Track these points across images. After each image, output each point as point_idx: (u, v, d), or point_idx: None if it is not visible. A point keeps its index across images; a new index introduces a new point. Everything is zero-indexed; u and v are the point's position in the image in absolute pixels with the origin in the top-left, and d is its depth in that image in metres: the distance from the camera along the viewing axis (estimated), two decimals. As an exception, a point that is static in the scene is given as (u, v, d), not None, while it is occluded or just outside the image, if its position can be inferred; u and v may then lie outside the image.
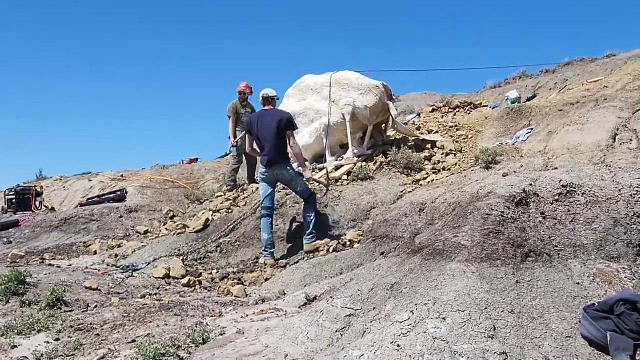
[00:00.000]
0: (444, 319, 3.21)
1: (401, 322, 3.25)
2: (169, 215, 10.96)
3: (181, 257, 7.33)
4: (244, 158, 10.24)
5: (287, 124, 6.86)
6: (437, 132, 9.97)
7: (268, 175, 6.97)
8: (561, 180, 4.58)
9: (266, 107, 7.12)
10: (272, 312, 4.59)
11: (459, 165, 8.24)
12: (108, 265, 7.49)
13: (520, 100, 11.06)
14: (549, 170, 5.70)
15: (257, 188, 9.39)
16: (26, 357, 3.98)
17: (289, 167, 6.96)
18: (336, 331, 3.73)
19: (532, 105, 9.70)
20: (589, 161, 6.44)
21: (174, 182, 14.74)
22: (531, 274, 3.75)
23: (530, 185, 4.56)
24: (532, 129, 8.65)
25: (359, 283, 4.35)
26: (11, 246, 10.53)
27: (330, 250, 6.59)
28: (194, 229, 8.49)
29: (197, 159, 17.96)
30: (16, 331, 4.42)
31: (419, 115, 11.70)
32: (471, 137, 9.67)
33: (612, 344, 3.18)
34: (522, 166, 6.56)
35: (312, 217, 6.89)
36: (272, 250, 6.84)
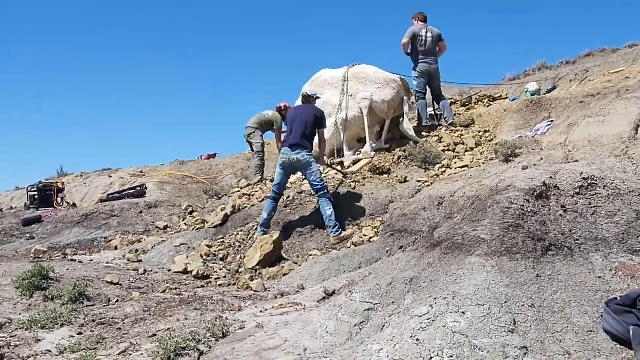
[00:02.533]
0: (463, 313, 3.19)
1: (420, 316, 3.24)
2: (188, 211, 11.04)
3: (200, 252, 7.38)
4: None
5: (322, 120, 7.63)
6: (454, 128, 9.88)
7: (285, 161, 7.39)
8: (582, 172, 4.52)
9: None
10: (291, 307, 4.61)
11: (477, 159, 8.16)
12: (128, 260, 7.58)
13: (540, 92, 10.90)
14: (569, 162, 5.63)
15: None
16: (50, 351, 4.05)
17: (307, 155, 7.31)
18: (355, 325, 3.74)
19: (552, 97, 9.56)
20: (610, 153, 6.33)
21: (193, 178, 14.84)
22: (552, 268, 3.71)
23: (551, 178, 4.51)
24: (552, 121, 8.54)
25: (378, 277, 4.34)
26: (34, 241, 10.71)
27: (348, 244, 6.60)
28: (212, 224, 8.54)
29: (215, 155, 18.03)
30: (40, 325, 4.49)
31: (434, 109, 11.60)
32: (490, 131, 9.57)
33: (635, 338, 3.13)
34: (542, 159, 6.48)
35: (331, 209, 6.99)
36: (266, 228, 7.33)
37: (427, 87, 9.96)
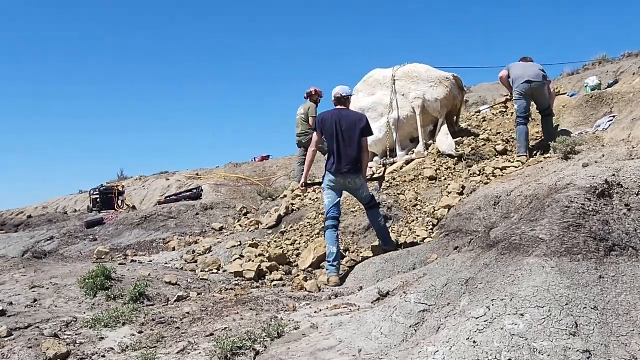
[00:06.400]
0: (522, 315, 3.11)
1: (477, 318, 3.18)
2: (243, 212, 11.21)
3: (254, 253, 7.48)
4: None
5: (367, 129, 6.38)
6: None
7: (338, 183, 6.29)
8: (647, 169, 4.33)
9: (340, 107, 6.51)
10: (345, 307, 4.61)
11: (535, 158, 7.93)
12: (186, 261, 7.76)
13: (601, 87, 10.50)
14: (633, 159, 5.40)
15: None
16: (113, 349, 4.19)
17: (361, 176, 6.36)
18: (410, 327, 3.70)
19: (614, 91, 9.20)
20: (678, 149, 6.04)
21: (247, 180, 15.06)
22: (615, 269, 3.57)
23: (613, 175, 4.34)
24: (614, 116, 8.23)
25: (433, 278, 4.29)
26: (97, 243, 11.10)
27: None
28: (266, 225, 8.64)
29: (268, 156, 18.27)
30: (103, 323, 4.66)
31: (492, 107, 11.36)
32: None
33: None
34: (603, 156, 6.24)
35: (382, 220, 6.53)
36: (338, 265, 6.10)
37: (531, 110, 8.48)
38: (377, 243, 6.64)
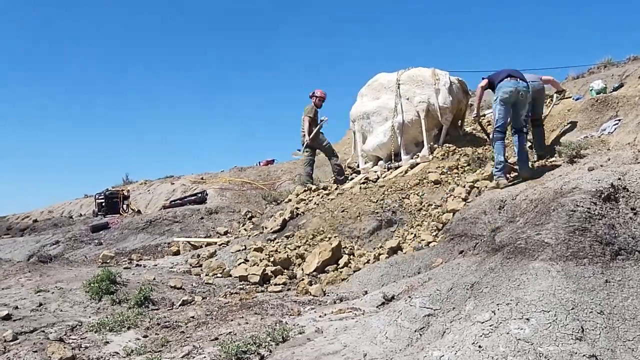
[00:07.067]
0: (527, 319, 3.10)
1: (482, 323, 3.17)
2: (248, 216, 11.21)
3: (259, 257, 7.48)
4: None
5: None
6: None
7: (512, 95, 6.83)
8: (653, 173, 4.31)
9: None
10: (350, 312, 4.60)
11: (540, 162, 7.91)
12: (190, 265, 7.76)
13: (606, 91, 10.45)
14: (639, 163, 5.38)
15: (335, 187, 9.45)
16: (117, 353, 4.19)
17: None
18: (415, 331, 3.69)
19: (620, 95, 9.15)
20: (684, 152, 6.01)
21: (252, 184, 15.06)
22: (622, 273, 3.55)
23: (619, 179, 4.33)
24: (619, 120, 8.19)
25: (438, 282, 4.28)
26: (102, 247, 11.11)
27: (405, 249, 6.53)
28: (271, 229, 8.64)
29: (273, 161, 18.28)
30: (108, 328, 4.67)
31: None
32: (553, 131, 9.27)
33: None
34: (609, 159, 6.21)
35: (527, 146, 7.11)
36: (504, 170, 6.81)
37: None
38: (380, 246, 6.65)
